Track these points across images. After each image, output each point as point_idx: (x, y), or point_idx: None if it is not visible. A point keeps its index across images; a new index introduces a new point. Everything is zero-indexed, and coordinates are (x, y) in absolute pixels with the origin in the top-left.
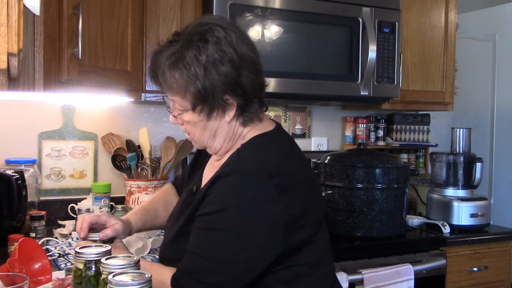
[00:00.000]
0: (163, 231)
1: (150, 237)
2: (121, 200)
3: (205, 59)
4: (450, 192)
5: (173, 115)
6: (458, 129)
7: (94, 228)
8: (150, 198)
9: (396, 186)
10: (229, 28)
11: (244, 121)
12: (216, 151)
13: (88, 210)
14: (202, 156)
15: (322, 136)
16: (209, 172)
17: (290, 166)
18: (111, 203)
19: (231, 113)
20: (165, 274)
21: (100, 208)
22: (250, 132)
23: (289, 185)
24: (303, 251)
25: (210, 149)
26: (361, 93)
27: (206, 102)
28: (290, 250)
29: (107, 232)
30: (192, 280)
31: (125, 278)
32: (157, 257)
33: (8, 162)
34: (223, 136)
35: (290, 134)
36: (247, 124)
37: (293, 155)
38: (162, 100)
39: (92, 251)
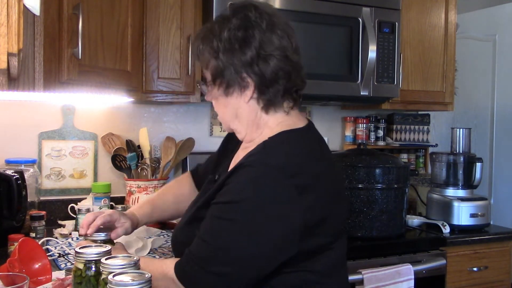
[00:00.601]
0: (163, 231)
1: (150, 237)
2: (121, 200)
3: (227, 34)
4: (450, 192)
5: (206, 92)
6: (458, 129)
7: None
8: (162, 188)
9: (396, 186)
10: (264, 13)
11: (265, 105)
12: (243, 136)
13: (88, 210)
14: (232, 144)
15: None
16: (237, 158)
17: (316, 167)
18: (111, 203)
19: (248, 92)
20: (167, 264)
21: (100, 208)
22: (279, 126)
23: (311, 187)
24: (316, 258)
25: (237, 133)
26: (361, 93)
27: (224, 76)
28: (302, 255)
29: (119, 232)
30: (197, 267)
31: (125, 278)
32: (157, 257)
33: (8, 162)
34: (245, 118)
35: None
36: (269, 111)
37: (320, 157)
38: (162, 100)
39: (92, 251)
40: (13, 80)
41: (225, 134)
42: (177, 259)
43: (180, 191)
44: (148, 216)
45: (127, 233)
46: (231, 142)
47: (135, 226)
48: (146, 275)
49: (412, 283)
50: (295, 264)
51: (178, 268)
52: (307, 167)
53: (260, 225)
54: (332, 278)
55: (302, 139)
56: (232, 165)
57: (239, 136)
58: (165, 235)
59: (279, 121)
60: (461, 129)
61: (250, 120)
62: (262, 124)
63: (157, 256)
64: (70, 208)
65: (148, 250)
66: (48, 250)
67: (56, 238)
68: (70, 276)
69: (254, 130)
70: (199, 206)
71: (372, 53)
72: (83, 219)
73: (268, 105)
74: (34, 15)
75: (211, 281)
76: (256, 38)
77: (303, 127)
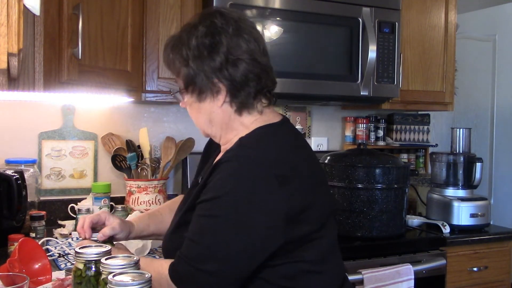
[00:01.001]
0: None
1: None
2: (121, 200)
3: (195, 41)
4: (450, 192)
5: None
6: (458, 129)
7: (94, 228)
8: (158, 207)
9: (396, 186)
10: (230, 18)
11: (239, 108)
12: (218, 140)
13: (88, 210)
14: (212, 148)
15: (322, 136)
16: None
17: (294, 157)
18: (111, 203)
19: (221, 97)
20: (163, 265)
21: (100, 208)
22: (254, 124)
23: (292, 176)
24: (305, 247)
25: (213, 137)
26: (361, 93)
27: (195, 83)
28: (291, 244)
29: (105, 231)
30: (189, 267)
31: (125, 278)
32: (157, 257)
33: (8, 162)
34: (219, 122)
35: None
36: (243, 113)
37: (296, 148)
38: (162, 100)
39: (92, 251)
40: (13, 80)
41: None
42: (173, 260)
43: (174, 206)
44: (145, 224)
45: (116, 233)
46: (212, 146)
47: (127, 229)
48: (146, 275)
49: (412, 283)
50: (285, 255)
51: (171, 270)
52: (284, 158)
53: (244, 217)
54: (324, 265)
55: (277, 133)
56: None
57: (216, 140)
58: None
59: (253, 120)
60: (461, 129)
61: (224, 123)
62: (236, 125)
63: (157, 256)
64: (70, 208)
65: (148, 250)
66: (48, 250)
67: (56, 238)
68: (70, 276)
69: (229, 132)
70: (185, 210)
71: (372, 53)
72: (77, 225)
73: (241, 107)
74: (34, 15)
75: (203, 279)
76: (223, 44)
77: (278, 122)
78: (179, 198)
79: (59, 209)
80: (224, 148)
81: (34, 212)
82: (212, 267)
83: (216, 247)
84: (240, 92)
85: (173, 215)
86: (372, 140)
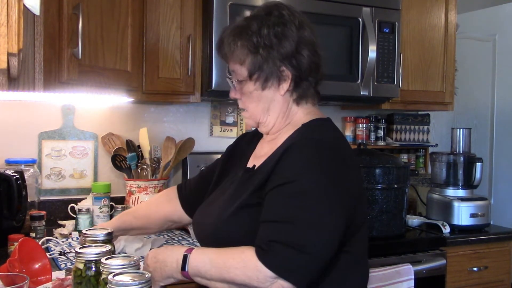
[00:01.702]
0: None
1: (150, 237)
2: (121, 200)
3: (266, 29)
4: (450, 192)
5: (233, 88)
6: (458, 129)
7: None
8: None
9: (396, 186)
10: (295, 11)
11: (298, 98)
12: (270, 128)
13: (88, 210)
14: (244, 143)
15: None
16: (262, 151)
17: (350, 152)
18: (111, 203)
19: (285, 85)
20: (245, 252)
21: (100, 208)
22: (308, 116)
23: (352, 168)
24: (354, 239)
25: (263, 126)
26: (361, 93)
27: (262, 70)
28: (353, 226)
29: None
30: (289, 249)
31: (125, 278)
32: None
33: (8, 162)
34: (277, 110)
35: None
36: (300, 103)
37: (349, 145)
38: (162, 100)
39: (92, 251)
40: (13, 80)
41: (224, 134)
42: (252, 247)
43: (161, 199)
44: (127, 223)
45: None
46: (243, 140)
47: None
48: (146, 275)
49: (412, 283)
50: (345, 243)
51: (265, 258)
52: (344, 147)
53: (330, 194)
54: (363, 260)
55: (334, 128)
56: (255, 158)
57: (265, 129)
58: (165, 235)
59: (307, 112)
60: (461, 129)
61: (282, 112)
62: (291, 115)
63: None
64: (70, 208)
65: (148, 250)
66: (48, 250)
67: (56, 238)
68: (70, 276)
69: (283, 122)
70: (249, 193)
71: (372, 53)
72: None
73: (301, 97)
74: (34, 15)
75: (304, 259)
76: (293, 34)
77: (327, 118)
78: (169, 191)
79: (59, 209)
80: (272, 138)
81: (34, 212)
82: (312, 247)
83: (311, 225)
84: (303, 81)
85: (212, 201)
86: (372, 140)
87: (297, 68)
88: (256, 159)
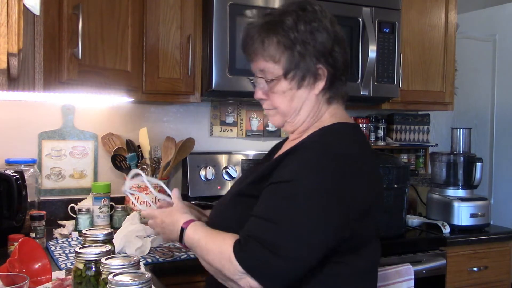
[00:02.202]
0: None
1: (150, 236)
2: (121, 200)
3: (303, 25)
4: (450, 192)
5: (260, 88)
6: (458, 129)
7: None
8: None
9: (396, 186)
10: (324, 8)
11: (330, 97)
12: (297, 127)
13: (88, 210)
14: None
15: None
16: (284, 149)
17: (366, 160)
18: (111, 203)
19: (320, 84)
20: (226, 240)
21: (100, 208)
22: (333, 118)
23: (366, 174)
24: (360, 252)
25: (290, 125)
26: (361, 93)
27: (299, 68)
28: (355, 238)
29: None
30: (262, 249)
31: (125, 278)
32: (157, 256)
33: (8, 162)
34: (308, 110)
35: None
36: (331, 103)
37: (369, 154)
38: (162, 100)
39: (92, 251)
40: (13, 80)
41: (224, 134)
42: (237, 236)
43: None
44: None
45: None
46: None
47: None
48: (146, 275)
49: (412, 283)
50: (343, 255)
51: (238, 250)
52: (359, 159)
53: (323, 202)
54: (369, 275)
55: (355, 134)
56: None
57: (291, 128)
58: None
59: (333, 113)
60: (461, 129)
61: (313, 111)
62: (320, 115)
63: (157, 256)
64: (70, 208)
65: (148, 250)
66: (48, 250)
67: (56, 238)
68: (70, 276)
69: (311, 122)
70: (249, 182)
71: (372, 53)
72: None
73: (333, 97)
74: (34, 15)
75: (276, 263)
76: (329, 30)
77: (354, 123)
78: None
79: (59, 209)
80: (294, 138)
81: (34, 212)
82: (288, 252)
83: (295, 230)
84: (337, 80)
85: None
86: (372, 140)
87: (332, 66)
88: (277, 155)
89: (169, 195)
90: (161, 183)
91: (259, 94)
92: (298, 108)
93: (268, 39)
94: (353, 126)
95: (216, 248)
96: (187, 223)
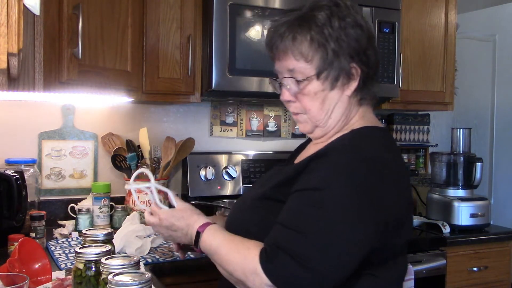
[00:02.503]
0: None
1: (149, 236)
2: (121, 200)
3: (337, 20)
4: (450, 192)
5: (288, 89)
6: (458, 129)
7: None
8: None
9: None
10: (355, 5)
11: (361, 99)
12: (327, 132)
13: (88, 210)
14: (301, 146)
15: None
16: (310, 150)
17: (398, 168)
18: (111, 203)
19: (354, 84)
20: (251, 250)
21: (100, 208)
22: (362, 120)
23: (399, 182)
24: (389, 265)
25: (321, 130)
26: None
27: (332, 67)
28: (386, 250)
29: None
30: (292, 261)
31: (125, 278)
32: (157, 256)
33: (8, 162)
34: (340, 112)
35: (290, 134)
36: (362, 104)
37: (400, 160)
38: (162, 100)
39: (92, 251)
40: (13, 80)
41: (224, 134)
42: (261, 244)
43: None
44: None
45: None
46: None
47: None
48: (146, 275)
49: (412, 283)
50: (372, 266)
51: (265, 260)
52: (392, 165)
53: (356, 211)
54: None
55: (386, 138)
56: (301, 157)
57: (322, 133)
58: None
59: (363, 115)
60: (461, 129)
61: (344, 114)
62: (351, 117)
63: (157, 256)
64: (70, 208)
65: (148, 250)
66: (48, 250)
67: (56, 238)
68: (70, 276)
69: (342, 125)
70: (274, 185)
71: None
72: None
73: (364, 98)
74: (34, 15)
75: (306, 277)
76: (363, 26)
77: (383, 127)
78: None
79: (59, 209)
80: (321, 141)
81: (34, 212)
82: (319, 265)
83: (326, 241)
84: (369, 80)
85: (246, 192)
86: None
87: (366, 64)
88: (301, 158)
89: (173, 206)
90: (169, 192)
91: (286, 96)
92: (329, 111)
93: (301, 36)
94: (383, 130)
95: (240, 258)
96: (203, 226)
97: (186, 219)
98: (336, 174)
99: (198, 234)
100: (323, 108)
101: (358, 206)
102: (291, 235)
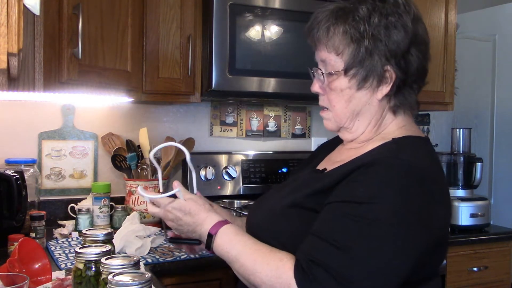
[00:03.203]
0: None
1: (149, 236)
2: (121, 200)
3: (378, 17)
4: (450, 192)
5: (318, 80)
6: (458, 129)
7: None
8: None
9: None
10: (410, 2)
11: (395, 106)
12: (357, 136)
13: (88, 210)
14: (320, 149)
15: (322, 136)
16: (339, 156)
17: (444, 182)
18: (111, 203)
19: (385, 88)
20: (284, 262)
21: (100, 208)
22: (402, 130)
23: (442, 202)
24: (422, 285)
25: (348, 132)
26: None
27: (362, 66)
28: (422, 271)
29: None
30: (333, 281)
31: (125, 278)
32: (157, 256)
33: (8, 162)
34: (368, 117)
35: (290, 134)
36: (397, 112)
37: (443, 176)
38: (162, 100)
39: (92, 251)
40: (13, 80)
41: (224, 134)
42: (293, 256)
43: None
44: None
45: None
46: (319, 149)
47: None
48: (146, 275)
49: None
50: (408, 286)
51: (303, 281)
52: (440, 180)
53: (402, 227)
54: None
55: (430, 151)
56: (328, 161)
57: (350, 136)
58: (165, 235)
59: (402, 125)
60: (461, 129)
61: (374, 119)
62: (383, 125)
63: (157, 256)
64: (70, 208)
65: (148, 250)
66: (48, 250)
67: (56, 238)
68: (70, 276)
69: (373, 132)
70: (309, 193)
71: None
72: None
73: (399, 105)
74: (34, 15)
75: None
76: (409, 28)
77: (426, 137)
78: None
79: (59, 209)
80: (357, 147)
81: (34, 212)
82: (362, 284)
83: (369, 261)
84: (406, 87)
85: (268, 196)
86: None
87: (404, 70)
88: (329, 163)
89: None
90: (180, 192)
91: (316, 87)
92: (356, 112)
93: (334, 27)
94: (426, 140)
95: (270, 270)
96: (215, 227)
97: (193, 215)
98: (385, 188)
99: (210, 236)
100: (348, 107)
101: (408, 224)
102: (329, 250)
